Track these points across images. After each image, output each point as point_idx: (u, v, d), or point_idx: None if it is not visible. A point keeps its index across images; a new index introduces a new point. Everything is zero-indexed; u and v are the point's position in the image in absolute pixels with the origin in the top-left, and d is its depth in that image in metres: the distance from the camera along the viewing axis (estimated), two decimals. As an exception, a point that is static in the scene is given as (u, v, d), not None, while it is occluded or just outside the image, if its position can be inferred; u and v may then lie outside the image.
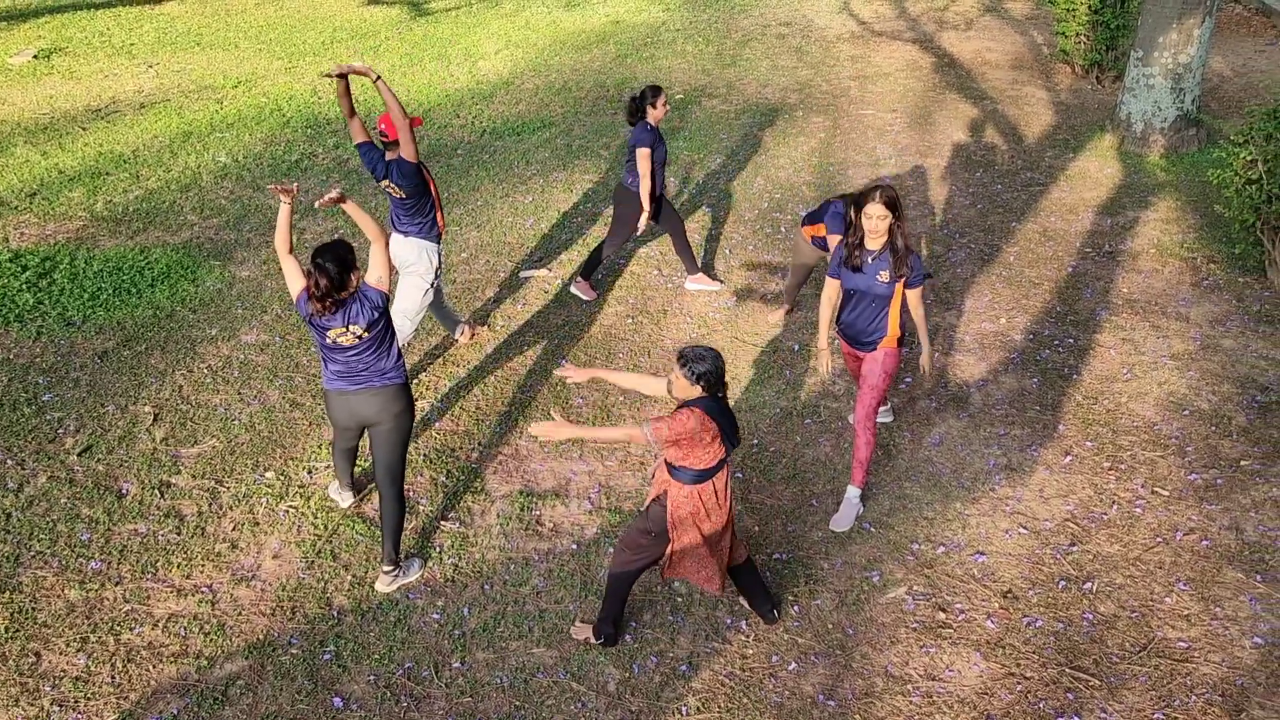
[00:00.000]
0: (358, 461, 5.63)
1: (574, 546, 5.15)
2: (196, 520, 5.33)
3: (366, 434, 4.93)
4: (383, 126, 5.76)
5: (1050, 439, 5.82)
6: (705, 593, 4.84)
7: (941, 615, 4.74)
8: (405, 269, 6.07)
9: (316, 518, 5.33)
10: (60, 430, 5.98)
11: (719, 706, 4.33)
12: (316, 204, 4.50)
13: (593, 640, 4.59)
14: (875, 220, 4.80)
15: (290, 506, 5.41)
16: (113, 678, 4.46)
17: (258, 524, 5.30)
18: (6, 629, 4.69)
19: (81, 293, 7.31)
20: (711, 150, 9.64)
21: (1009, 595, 4.84)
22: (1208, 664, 4.47)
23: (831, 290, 5.15)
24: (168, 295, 7.33)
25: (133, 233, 8.22)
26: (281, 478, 5.61)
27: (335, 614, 4.78)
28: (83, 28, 13.84)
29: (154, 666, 4.52)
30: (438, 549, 5.14)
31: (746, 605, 4.75)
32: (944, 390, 6.27)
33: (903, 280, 4.91)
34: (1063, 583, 4.89)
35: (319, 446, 5.83)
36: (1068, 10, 10.84)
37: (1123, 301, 7.07)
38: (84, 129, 10.29)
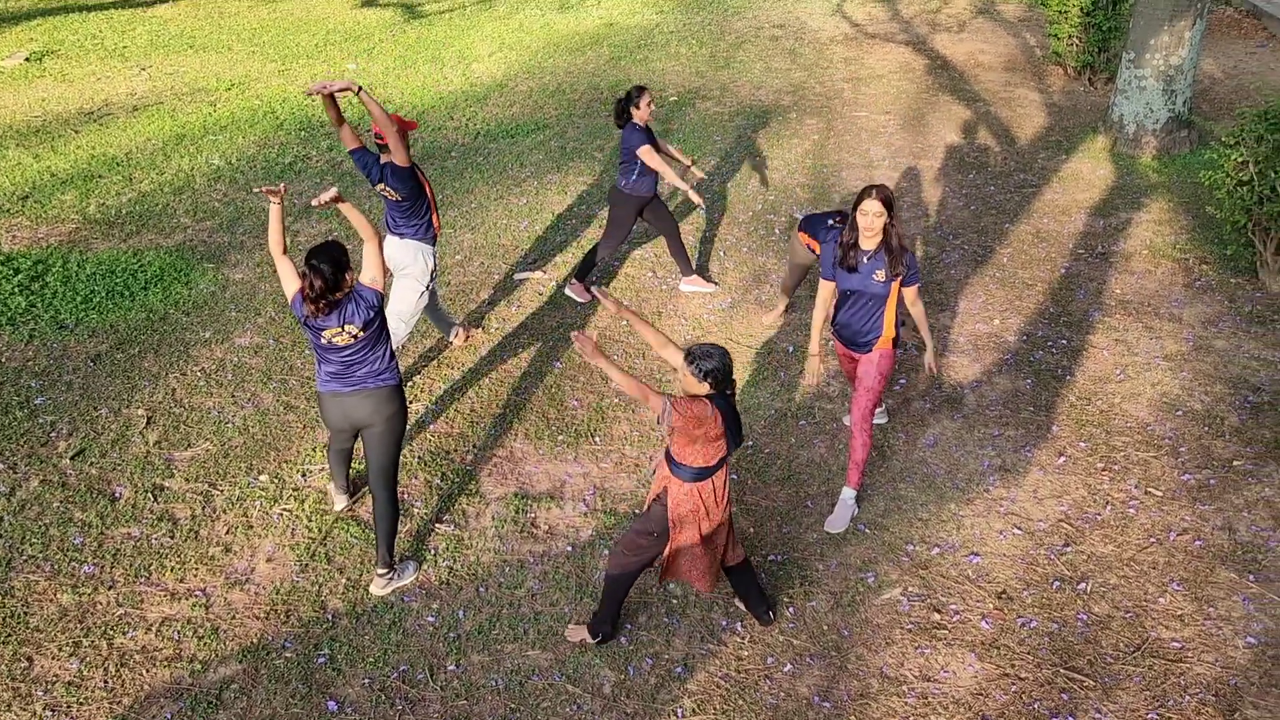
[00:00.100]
0: (352, 464, 5.63)
1: (569, 549, 5.15)
2: (190, 524, 5.31)
3: (360, 437, 4.93)
4: (377, 130, 5.76)
5: (1044, 440, 5.84)
6: (697, 593, 4.84)
7: (936, 616, 4.74)
8: (400, 271, 6.06)
9: (311, 521, 5.32)
10: (53, 434, 5.96)
11: (714, 708, 4.33)
12: (313, 203, 4.50)
13: (589, 640, 4.59)
14: (871, 217, 4.82)
15: (284, 509, 5.40)
16: (106, 682, 4.45)
17: (251, 527, 5.29)
18: (-1, 633, 4.67)
19: (74, 296, 7.29)
20: (705, 152, 9.64)
21: (1003, 596, 4.84)
22: (1201, 664, 4.48)
23: (826, 292, 5.16)
24: (161, 298, 7.31)
25: (125, 235, 8.20)
26: (275, 481, 5.60)
27: (330, 617, 4.77)
28: (75, 30, 13.81)
29: (147, 671, 4.50)
30: (432, 552, 5.14)
31: (742, 607, 4.75)
32: (938, 391, 6.28)
33: (898, 279, 4.92)
34: (1057, 583, 4.90)
35: (313, 449, 5.82)
36: (1060, 12, 10.88)
37: (1116, 302, 7.09)
38: (76, 132, 10.27)
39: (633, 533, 4.38)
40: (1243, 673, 4.43)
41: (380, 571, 4.85)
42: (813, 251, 6.27)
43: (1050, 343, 6.69)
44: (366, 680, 4.46)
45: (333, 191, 4.47)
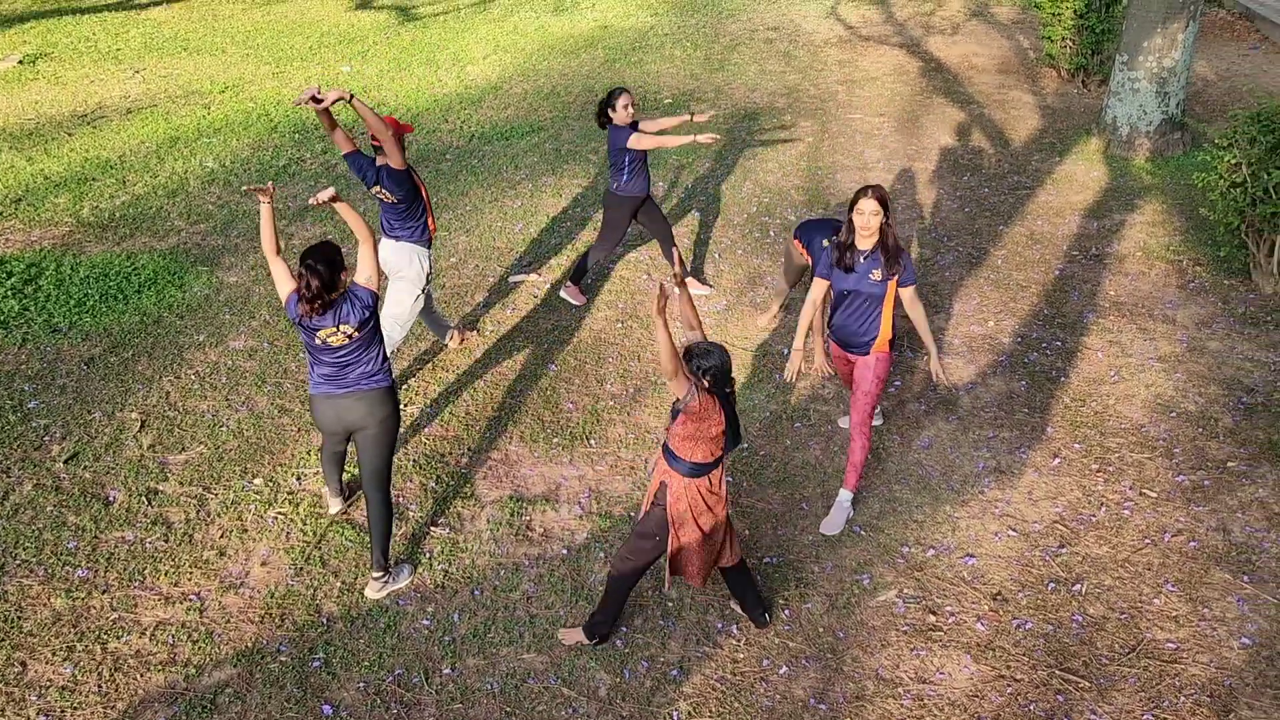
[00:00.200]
0: (346, 467, 5.62)
1: (564, 552, 5.14)
2: (184, 527, 5.30)
3: (353, 440, 4.91)
4: (373, 132, 5.75)
5: (1038, 441, 5.84)
6: (693, 595, 4.84)
7: (932, 618, 4.75)
8: (395, 275, 6.06)
9: (305, 524, 5.31)
10: (46, 438, 5.94)
11: (710, 711, 4.33)
12: (310, 201, 4.52)
13: (584, 642, 4.58)
14: (868, 216, 4.83)
15: (279, 513, 5.38)
16: (100, 687, 4.43)
17: (246, 531, 5.28)
18: (-8, 638, 4.65)
19: (68, 299, 7.27)
20: (699, 155, 9.65)
21: (999, 598, 4.85)
22: (1196, 665, 4.48)
23: (818, 291, 5.16)
24: (155, 301, 7.30)
25: (119, 238, 8.18)
26: (270, 484, 5.58)
27: (324, 621, 4.76)
28: (68, 33, 13.78)
29: (141, 675, 4.49)
30: (427, 555, 5.13)
31: (738, 609, 4.75)
32: (933, 393, 6.29)
33: (895, 278, 4.93)
34: (1052, 585, 4.91)
35: (307, 453, 5.81)
36: (1053, 15, 10.90)
37: (1110, 304, 7.11)
38: (70, 134, 10.25)
39: (634, 537, 4.38)
40: (1237, 673, 4.44)
41: (375, 575, 4.84)
42: (806, 258, 6.27)
43: (1044, 344, 6.70)
44: (361, 684, 4.45)
45: (330, 191, 4.48)
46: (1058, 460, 5.70)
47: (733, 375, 4.16)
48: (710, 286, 7.36)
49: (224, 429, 6.01)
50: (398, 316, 6.10)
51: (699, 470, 4.18)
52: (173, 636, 4.67)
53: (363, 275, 4.56)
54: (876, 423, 5.99)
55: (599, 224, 8.17)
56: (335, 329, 4.48)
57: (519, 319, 7.10)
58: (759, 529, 5.28)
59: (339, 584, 4.95)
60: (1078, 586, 4.89)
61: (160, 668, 4.52)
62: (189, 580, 4.98)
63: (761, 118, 10.48)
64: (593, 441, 5.90)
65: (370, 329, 4.58)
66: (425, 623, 4.75)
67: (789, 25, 13.76)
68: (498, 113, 10.80)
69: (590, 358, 6.65)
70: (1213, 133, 9.60)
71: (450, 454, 5.82)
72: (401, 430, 5.97)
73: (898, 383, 6.38)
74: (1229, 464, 5.62)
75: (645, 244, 8.03)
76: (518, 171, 9.35)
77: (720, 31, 13.55)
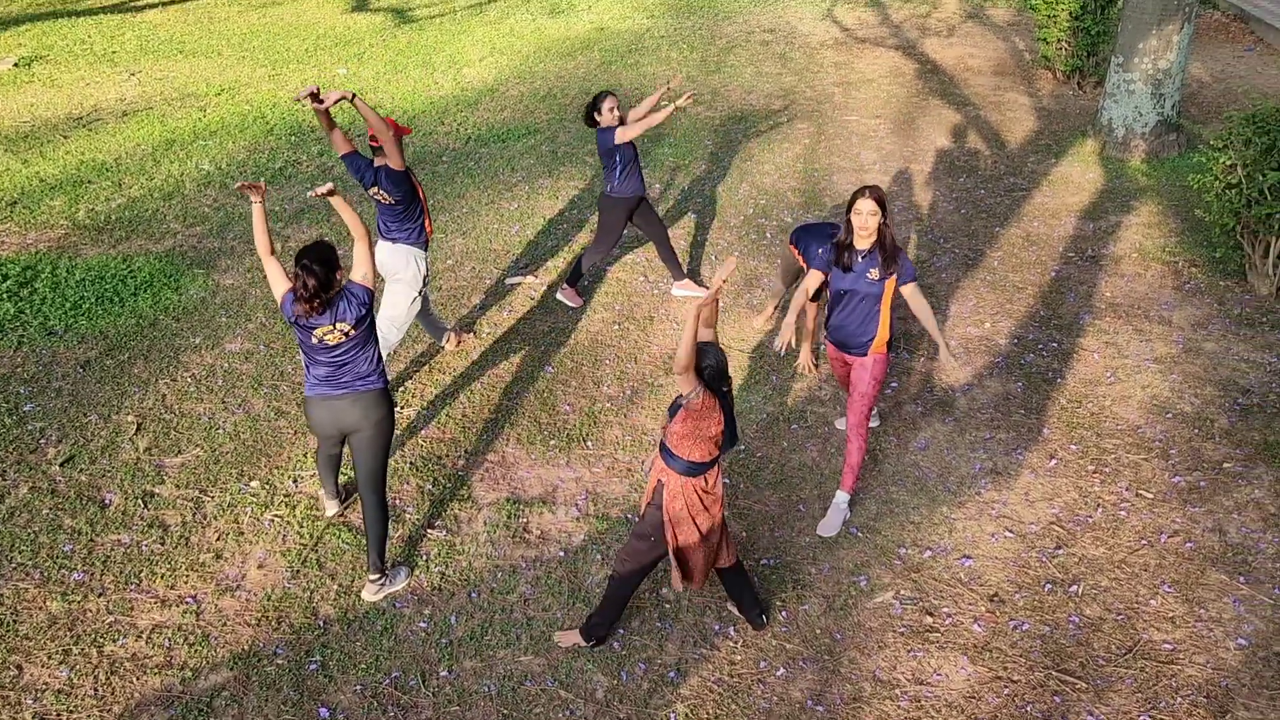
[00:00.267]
0: (342, 470, 5.61)
1: (561, 554, 5.14)
2: (180, 530, 5.29)
3: (347, 443, 4.91)
4: (373, 132, 5.74)
5: (1035, 443, 5.85)
6: (690, 597, 4.83)
7: (929, 619, 4.75)
8: (392, 277, 6.05)
9: (302, 527, 5.30)
10: (42, 440, 5.93)
11: (707, 713, 4.33)
12: (309, 194, 4.58)
13: (581, 644, 4.58)
14: (865, 216, 4.86)
15: (275, 516, 5.38)
16: (96, 690, 4.42)
17: (242, 533, 5.27)
18: (-12, 642, 4.64)
19: (63, 302, 7.25)
20: (696, 156, 9.66)
21: (995, 599, 4.85)
22: (1193, 666, 4.49)
23: (812, 280, 5.14)
24: (151, 304, 7.29)
25: (115, 241, 8.17)
26: (266, 487, 5.58)
27: (321, 623, 4.75)
28: (64, 35, 13.76)
29: (138, 678, 4.48)
30: (424, 557, 5.12)
31: (735, 611, 4.75)
32: (929, 395, 6.29)
33: (893, 277, 4.94)
34: (1049, 586, 4.91)
35: (304, 455, 5.81)
36: (1049, 17, 10.93)
37: (1105, 305, 7.12)
38: (65, 137, 10.23)
39: (631, 538, 4.39)
40: (1234, 674, 4.44)
41: (372, 577, 4.83)
42: (802, 263, 6.27)
43: (1041, 346, 6.71)
44: (358, 687, 4.45)
45: (329, 185, 4.51)
46: (1054, 461, 5.70)
47: (729, 375, 4.17)
48: (707, 288, 7.36)
49: (220, 431, 6.00)
50: (394, 319, 6.10)
51: (695, 469, 4.19)
52: (169, 639, 4.66)
53: (359, 273, 4.56)
54: (873, 424, 6.00)
55: (595, 226, 8.18)
56: (332, 326, 4.48)
57: (516, 321, 7.10)
58: (756, 531, 5.28)
59: (336, 586, 4.95)
60: (1074, 587, 4.90)
61: (156, 671, 4.51)
62: (185, 583, 4.97)
63: (758, 120, 10.49)
64: (590, 443, 5.90)
65: (367, 327, 4.58)
66: (422, 625, 4.74)
67: (785, 27, 13.78)
68: (494, 115, 10.80)
69: (587, 360, 6.65)
70: (1208, 134, 9.62)
71: (447, 456, 5.82)
72: (398, 432, 5.97)
73: (894, 384, 6.39)
74: (1225, 465, 5.63)
75: (641, 246, 8.03)
76: (514, 174, 9.35)
77: (716, 33, 13.56)
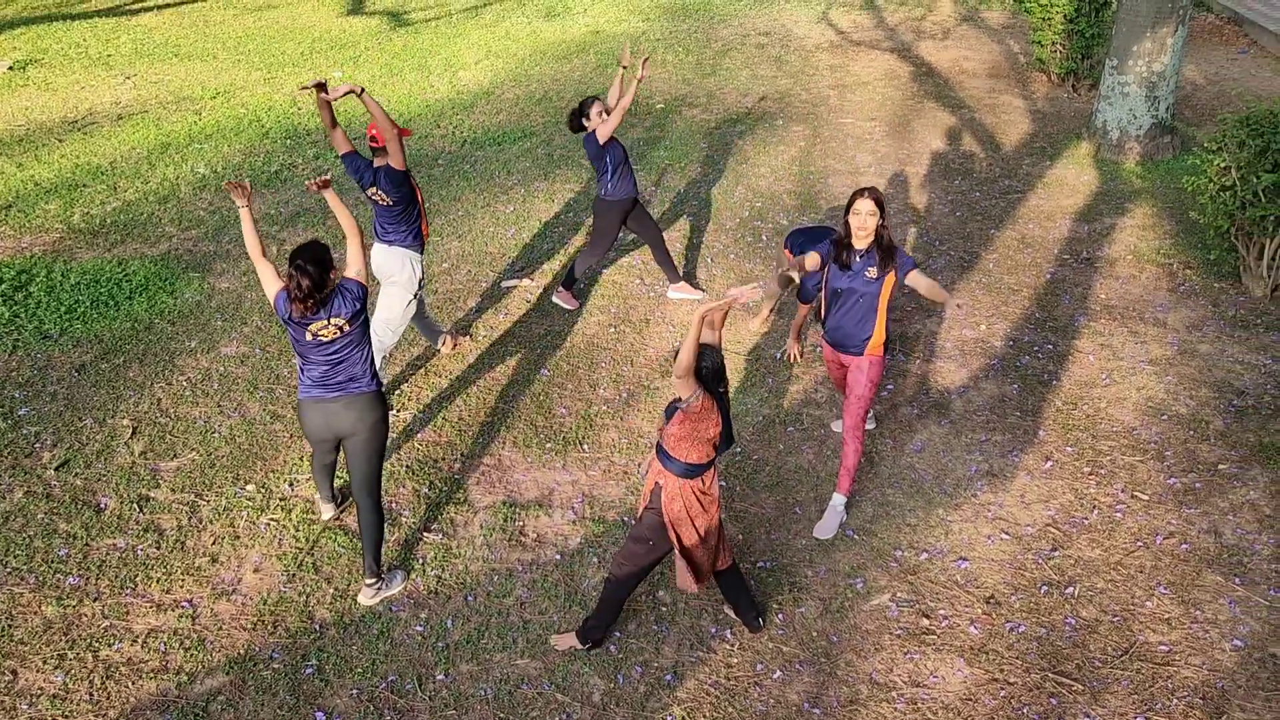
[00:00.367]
0: (337, 473, 5.60)
1: (558, 557, 5.14)
2: (176, 534, 5.28)
3: (342, 447, 4.90)
4: (373, 132, 5.74)
5: (1031, 445, 5.86)
6: (686, 600, 4.83)
7: (925, 621, 4.75)
8: (388, 279, 6.05)
9: (298, 530, 5.29)
10: (37, 444, 5.92)
11: (704, 716, 4.32)
12: (307, 184, 4.63)
13: (577, 647, 4.58)
14: (864, 216, 4.91)
15: (271, 519, 5.37)
16: (91, 695, 4.41)
17: (238, 537, 5.26)
18: (-18, 647, 4.63)
19: (58, 305, 7.24)
20: (692, 159, 9.66)
21: (992, 601, 4.85)
22: (1188, 667, 4.50)
23: (811, 260, 5.12)
24: (146, 307, 7.28)
25: (110, 245, 8.16)
26: (262, 491, 5.57)
27: (317, 627, 4.75)
28: (59, 39, 13.75)
29: (133, 683, 4.47)
30: (420, 561, 5.12)
31: (731, 613, 4.75)
32: (925, 397, 6.30)
33: (891, 274, 4.97)
34: (1045, 588, 4.92)
35: (300, 459, 5.80)
36: (1043, 19, 10.95)
37: (1101, 307, 7.13)
38: (60, 141, 10.22)
39: (629, 541, 4.38)
40: (1230, 675, 4.45)
41: (368, 581, 4.82)
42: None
43: (1036, 348, 6.72)
44: (355, 691, 4.44)
45: (327, 175, 4.54)
46: (1050, 463, 5.71)
47: (726, 376, 4.18)
48: (703, 291, 7.37)
49: (216, 435, 5.99)
50: (390, 321, 6.09)
51: (693, 471, 4.19)
52: (165, 644, 4.65)
53: (352, 269, 4.57)
54: (869, 426, 6.01)
55: (590, 230, 8.18)
56: (327, 322, 4.48)
57: (511, 324, 7.09)
58: (752, 533, 5.29)
59: (332, 590, 4.94)
60: (1070, 589, 4.90)
61: (152, 675, 4.50)
62: (181, 587, 4.96)
63: (753, 122, 10.50)
64: (586, 446, 5.90)
65: (361, 324, 4.58)
66: (418, 629, 4.74)
67: (780, 30, 13.79)
68: (490, 118, 10.80)
69: (583, 363, 6.65)
70: (1202, 136, 9.65)
71: (443, 459, 5.81)
72: (394, 435, 5.96)
73: (890, 387, 6.39)
74: (1220, 466, 5.64)
75: (637, 249, 8.03)
76: (510, 177, 9.35)
77: (712, 36, 13.57)
